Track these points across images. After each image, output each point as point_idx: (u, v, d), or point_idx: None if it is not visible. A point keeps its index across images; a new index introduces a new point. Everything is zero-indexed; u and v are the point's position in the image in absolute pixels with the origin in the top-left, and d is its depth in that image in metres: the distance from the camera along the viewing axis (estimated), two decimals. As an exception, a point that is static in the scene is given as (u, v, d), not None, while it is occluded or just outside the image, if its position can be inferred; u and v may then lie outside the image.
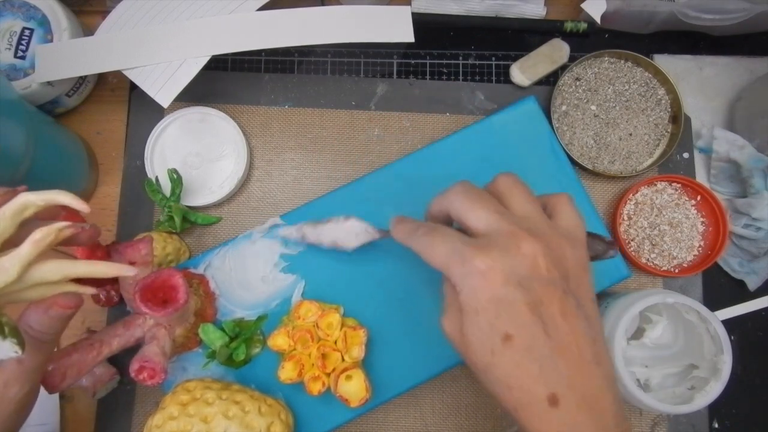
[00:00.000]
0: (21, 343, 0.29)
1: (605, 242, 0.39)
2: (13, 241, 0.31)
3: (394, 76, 0.58)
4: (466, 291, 0.31)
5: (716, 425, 0.52)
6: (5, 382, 0.31)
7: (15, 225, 0.31)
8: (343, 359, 0.44)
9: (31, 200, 0.31)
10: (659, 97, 0.56)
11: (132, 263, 0.42)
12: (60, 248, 0.44)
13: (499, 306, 0.30)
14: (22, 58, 0.49)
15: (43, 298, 0.32)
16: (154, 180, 0.52)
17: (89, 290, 0.34)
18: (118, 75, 0.49)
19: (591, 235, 0.38)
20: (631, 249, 0.53)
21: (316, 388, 0.43)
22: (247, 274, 0.48)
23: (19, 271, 0.29)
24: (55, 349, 0.38)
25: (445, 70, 0.58)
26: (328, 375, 0.43)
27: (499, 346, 0.30)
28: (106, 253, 0.44)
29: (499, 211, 0.32)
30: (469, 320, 0.31)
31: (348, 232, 0.44)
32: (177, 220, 0.50)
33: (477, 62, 0.58)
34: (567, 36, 0.58)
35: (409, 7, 0.48)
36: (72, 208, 0.33)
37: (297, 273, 0.48)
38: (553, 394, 0.29)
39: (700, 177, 0.56)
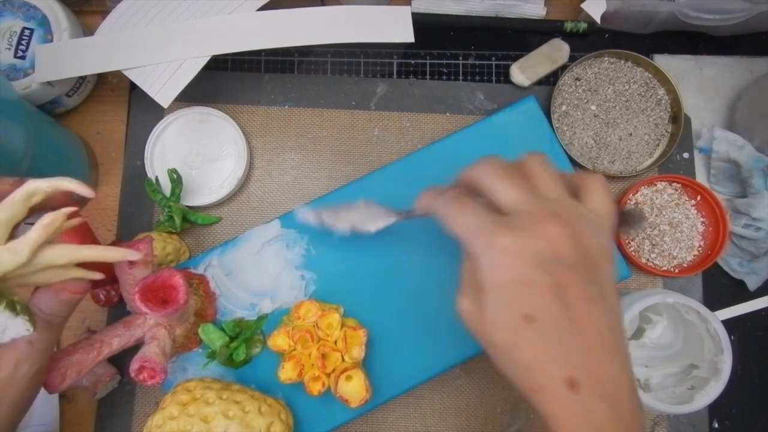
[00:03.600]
0: (33, 321, 0.31)
1: (635, 215, 0.40)
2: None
3: (394, 76, 0.58)
4: (490, 268, 0.30)
5: (716, 425, 0.52)
6: (17, 360, 0.33)
7: (25, 210, 0.32)
8: (343, 359, 0.44)
9: (38, 186, 0.32)
10: (659, 97, 0.56)
11: (132, 263, 0.42)
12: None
13: (521, 286, 0.30)
14: (22, 58, 0.49)
15: (53, 283, 0.33)
16: (154, 180, 0.52)
17: (96, 275, 0.35)
18: (118, 75, 0.49)
19: (623, 213, 0.38)
20: (631, 249, 0.53)
21: (316, 388, 0.43)
22: (248, 274, 0.48)
23: (29, 254, 0.31)
24: (55, 349, 0.38)
25: (445, 70, 0.58)
26: (328, 375, 0.43)
27: (521, 327, 0.30)
28: (106, 253, 0.44)
29: (527, 191, 0.33)
30: (491, 298, 0.30)
31: (367, 214, 0.44)
32: (177, 220, 0.50)
33: (477, 62, 0.58)
34: (567, 36, 0.58)
35: (409, 7, 0.48)
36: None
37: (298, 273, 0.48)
38: (572, 377, 0.29)
39: (700, 177, 0.56)
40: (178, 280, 0.40)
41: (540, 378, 0.30)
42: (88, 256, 0.34)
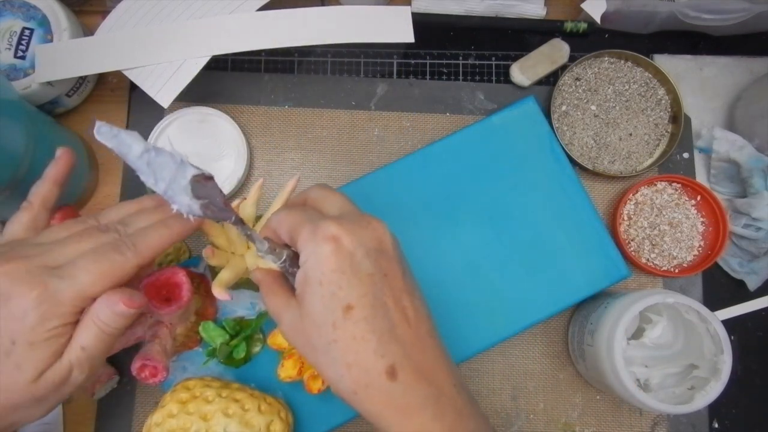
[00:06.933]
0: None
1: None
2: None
3: (394, 76, 0.58)
4: (313, 259, 0.30)
5: (716, 425, 0.52)
6: (70, 365, 0.31)
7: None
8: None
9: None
10: (659, 97, 0.56)
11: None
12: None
13: (343, 275, 0.30)
14: (22, 58, 0.49)
15: (111, 293, 0.32)
16: (154, 180, 0.52)
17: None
18: (118, 75, 0.49)
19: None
20: (631, 249, 0.53)
21: (315, 386, 0.43)
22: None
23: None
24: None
25: (445, 70, 0.58)
26: (328, 374, 0.43)
27: (340, 318, 0.29)
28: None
29: (350, 202, 0.34)
30: (312, 293, 0.30)
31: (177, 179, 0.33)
32: (177, 219, 0.50)
33: (477, 62, 0.58)
34: (567, 36, 0.58)
35: (409, 7, 0.48)
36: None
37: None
38: (391, 365, 0.29)
39: (700, 177, 0.56)
40: (182, 277, 0.40)
41: (360, 374, 0.29)
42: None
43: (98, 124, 0.29)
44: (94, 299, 0.31)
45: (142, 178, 0.31)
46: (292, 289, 0.33)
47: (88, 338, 0.31)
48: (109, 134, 0.30)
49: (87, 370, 0.32)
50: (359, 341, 0.29)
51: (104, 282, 0.31)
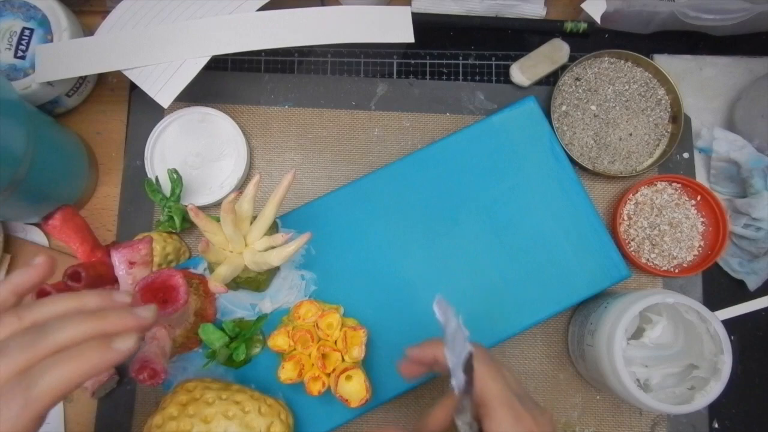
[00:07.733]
0: None
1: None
2: None
3: (394, 76, 0.58)
4: None
5: (716, 425, 0.52)
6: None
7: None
8: (343, 359, 0.44)
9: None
10: (659, 97, 0.56)
11: (132, 263, 0.42)
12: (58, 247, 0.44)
13: None
14: (22, 58, 0.49)
15: None
16: (154, 180, 0.52)
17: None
18: (118, 75, 0.49)
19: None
20: (631, 249, 0.53)
21: (316, 388, 0.43)
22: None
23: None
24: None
25: (445, 70, 0.58)
26: (328, 375, 0.43)
27: None
28: (106, 252, 0.44)
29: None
30: None
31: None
32: (177, 220, 0.50)
33: (477, 62, 0.58)
34: (567, 36, 0.58)
35: (409, 7, 0.48)
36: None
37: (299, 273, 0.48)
38: None
39: (700, 177, 0.56)
40: (178, 279, 0.40)
41: None
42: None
43: (439, 299, 0.33)
44: None
45: (446, 349, 0.33)
46: None
47: None
48: (443, 309, 0.33)
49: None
50: None
51: None
